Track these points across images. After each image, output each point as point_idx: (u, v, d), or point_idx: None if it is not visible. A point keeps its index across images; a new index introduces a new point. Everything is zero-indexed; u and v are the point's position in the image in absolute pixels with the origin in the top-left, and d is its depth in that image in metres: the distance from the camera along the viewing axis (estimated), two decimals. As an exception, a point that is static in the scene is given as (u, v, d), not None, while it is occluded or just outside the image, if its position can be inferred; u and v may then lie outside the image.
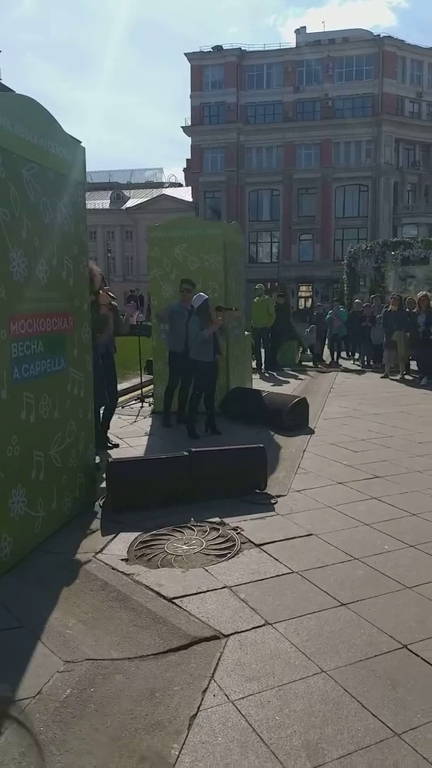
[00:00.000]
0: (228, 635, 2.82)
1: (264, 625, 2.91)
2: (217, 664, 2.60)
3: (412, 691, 2.42)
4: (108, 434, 6.56)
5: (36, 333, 3.75)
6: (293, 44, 48.34)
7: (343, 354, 15.52)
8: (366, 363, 14.32)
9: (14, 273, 3.48)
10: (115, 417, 7.05)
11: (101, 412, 6.28)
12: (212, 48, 47.88)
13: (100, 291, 6.11)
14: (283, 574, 3.45)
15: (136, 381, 9.76)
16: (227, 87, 47.51)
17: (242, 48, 47.34)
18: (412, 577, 3.41)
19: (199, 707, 2.32)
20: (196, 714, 2.28)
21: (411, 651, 2.70)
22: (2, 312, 3.36)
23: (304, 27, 49.53)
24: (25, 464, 3.63)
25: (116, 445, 6.46)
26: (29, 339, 3.66)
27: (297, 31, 49.58)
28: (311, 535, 4.03)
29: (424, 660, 2.63)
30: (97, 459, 5.20)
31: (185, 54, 48.05)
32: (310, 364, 14.43)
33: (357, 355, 15.18)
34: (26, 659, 2.62)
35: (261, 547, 3.83)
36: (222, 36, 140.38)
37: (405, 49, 46.51)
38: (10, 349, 3.44)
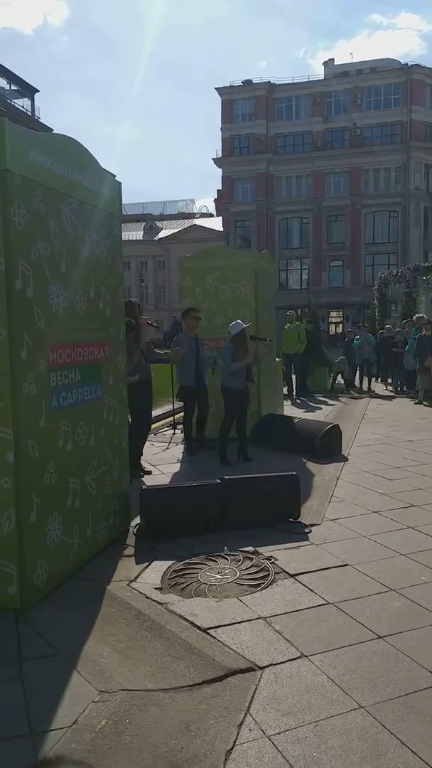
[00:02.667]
0: (263, 667, 2.79)
1: (300, 657, 2.87)
2: (253, 697, 2.57)
3: (455, 729, 2.35)
4: (141, 461, 6.60)
5: (74, 362, 3.84)
6: (322, 76, 49.19)
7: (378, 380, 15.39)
8: (399, 389, 14.15)
9: (54, 305, 3.59)
10: (147, 444, 7.10)
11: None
12: (242, 82, 49.04)
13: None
14: (319, 606, 3.40)
15: (168, 408, 9.83)
16: (257, 119, 48.49)
17: (271, 81, 48.36)
18: (452, 610, 3.32)
19: (235, 741, 2.29)
20: (232, 748, 2.25)
21: (452, 688, 2.62)
22: (42, 342, 3.46)
23: (332, 59, 50.49)
24: (62, 492, 3.69)
25: (149, 472, 6.49)
26: (67, 368, 3.75)
27: (325, 64, 50.52)
28: (346, 565, 3.96)
29: (466, 697, 2.55)
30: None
31: (216, 89, 49.32)
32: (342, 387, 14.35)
33: (390, 380, 15.03)
34: (62, 688, 2.63)
35: (295, 577, 3.79)
36: (252, 70, 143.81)
37: (433, 77, 46.87)
38: (49, 378, 3.53)
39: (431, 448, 7.64)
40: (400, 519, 4.86)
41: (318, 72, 66.94)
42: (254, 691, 2.60)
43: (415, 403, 11.93)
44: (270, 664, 2.81)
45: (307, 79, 48.75)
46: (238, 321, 6.88)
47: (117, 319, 4.56)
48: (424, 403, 11.84)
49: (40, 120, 42.00)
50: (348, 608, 3.35)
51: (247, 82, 48.90)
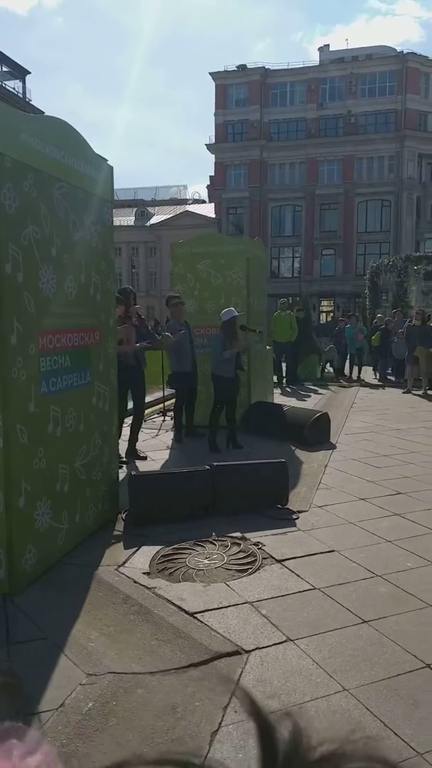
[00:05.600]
0: (249, 651, 2.82)
1: (285, 641, 2.91)
2: (239, 680, 2.60)
3: (436, 712, 2.39)
4: (136, 446, 6.65)
5: (63, 347, 3.82)
6: (317, 62, 48.75)
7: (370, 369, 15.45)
8: (383, 377, 14.24)
9: (44, 289, 3.57)
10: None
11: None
12: (237, 67, 48.46)
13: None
14: (305, 591, 3.44)
15: (158, 395, 9.82)
16: (251, 105, 48.00)
17: (266, 66, 47.86)
18: (436, 596, 3.37)
19: (220, 723, 2.32)
20: (217, 730, 2.28)
21: (435, 671, 2.66)
22: (32, 327, 3.44)
23: (328, 45, 50.00)
24: (51, 477, 3.69)
25: (144, 458, 6.52)
26: (57, 353, 3.74)
27: (320, 49, 50.03)
28: (333, 551, 4.01)
29: (448, 681, 2.59)
30: (123, 471, 5.30)
31: (210, 73, 48.67)
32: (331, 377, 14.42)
33: (378, 368, 15.10)
34: (50, 671, 2.65)
35: (282, 562, 3.82)
36: (248, 54, 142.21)
37: (428, 65, 46.52)
38: (38, 363, 3.52)
39: (419, 436, 7.70)
40: (387, 506, 4.90)
41: (315, 58, 66.32)
42: (240, 674, 2.64)
43: (403, 393, 12.00)
44: (256, 648, 2.84)
45: (302, 65, 48.29)
46: (231, 308, 6.87)
47: (107, 305, 4.55)
48: (413, 392, 11.91)
49: (32, 102, 41.32)
50: (334, 593, 3.39)
51: (242, 67, 48.29)
